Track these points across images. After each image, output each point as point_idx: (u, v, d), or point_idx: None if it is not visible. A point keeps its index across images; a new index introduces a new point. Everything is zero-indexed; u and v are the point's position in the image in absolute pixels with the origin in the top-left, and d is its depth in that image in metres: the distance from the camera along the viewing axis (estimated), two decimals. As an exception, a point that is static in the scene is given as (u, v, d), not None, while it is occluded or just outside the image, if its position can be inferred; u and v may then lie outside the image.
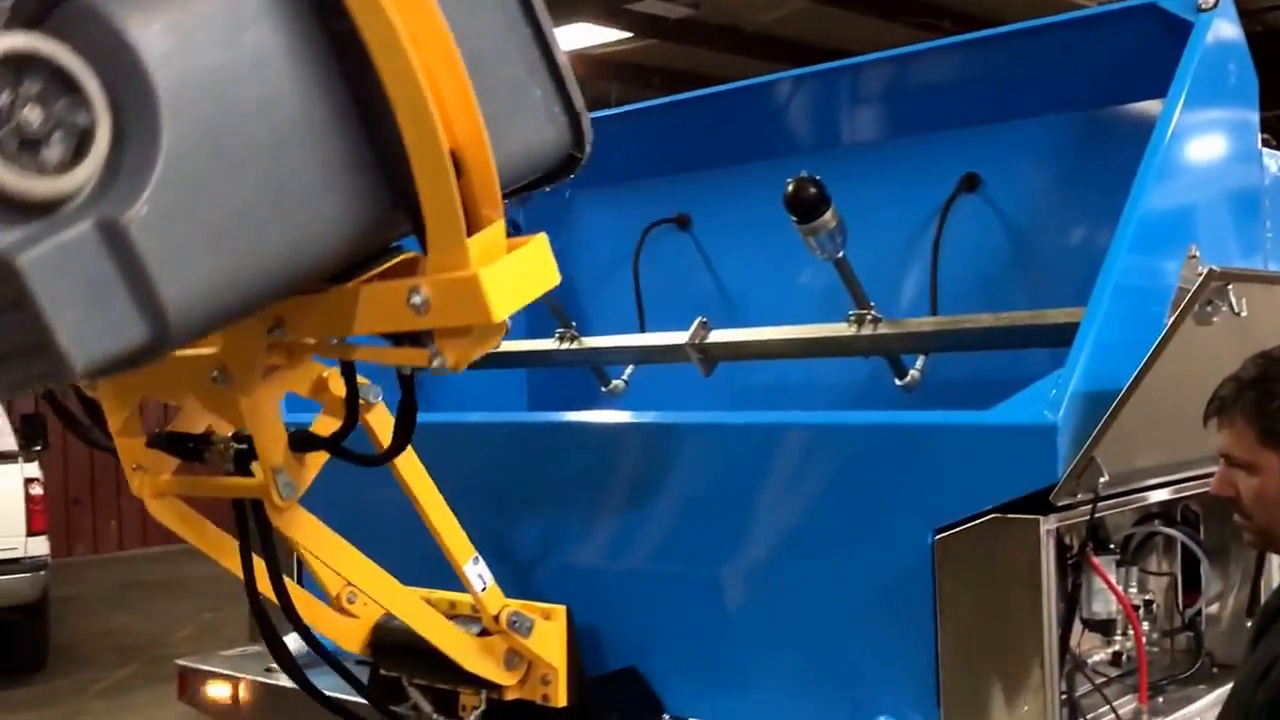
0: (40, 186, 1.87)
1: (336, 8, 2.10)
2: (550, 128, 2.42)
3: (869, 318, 3.88)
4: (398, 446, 2.77)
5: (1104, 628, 3.18)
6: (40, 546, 8.92)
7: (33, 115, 1.88)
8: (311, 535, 2.99)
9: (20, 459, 9.12)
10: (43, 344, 1.87)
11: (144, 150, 1.94)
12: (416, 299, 2.27)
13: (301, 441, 2.82)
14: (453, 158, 2.16)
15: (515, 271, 2.26)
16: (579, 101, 2.45)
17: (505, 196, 2.26)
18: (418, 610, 3.20)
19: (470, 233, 2.21)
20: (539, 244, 2.31)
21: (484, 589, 3.14)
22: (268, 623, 3.11)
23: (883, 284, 4.07)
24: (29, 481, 8.96)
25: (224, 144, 2.02)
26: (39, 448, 9.39)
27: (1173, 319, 2.79)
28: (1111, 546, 3.21)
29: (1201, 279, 2.76)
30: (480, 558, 3.15)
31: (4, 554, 8.73)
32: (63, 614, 9.87)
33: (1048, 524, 2.73)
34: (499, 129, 2.26)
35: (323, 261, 2.22)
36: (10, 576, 8.76)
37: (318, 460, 2.88)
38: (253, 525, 2.88)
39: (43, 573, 8.96)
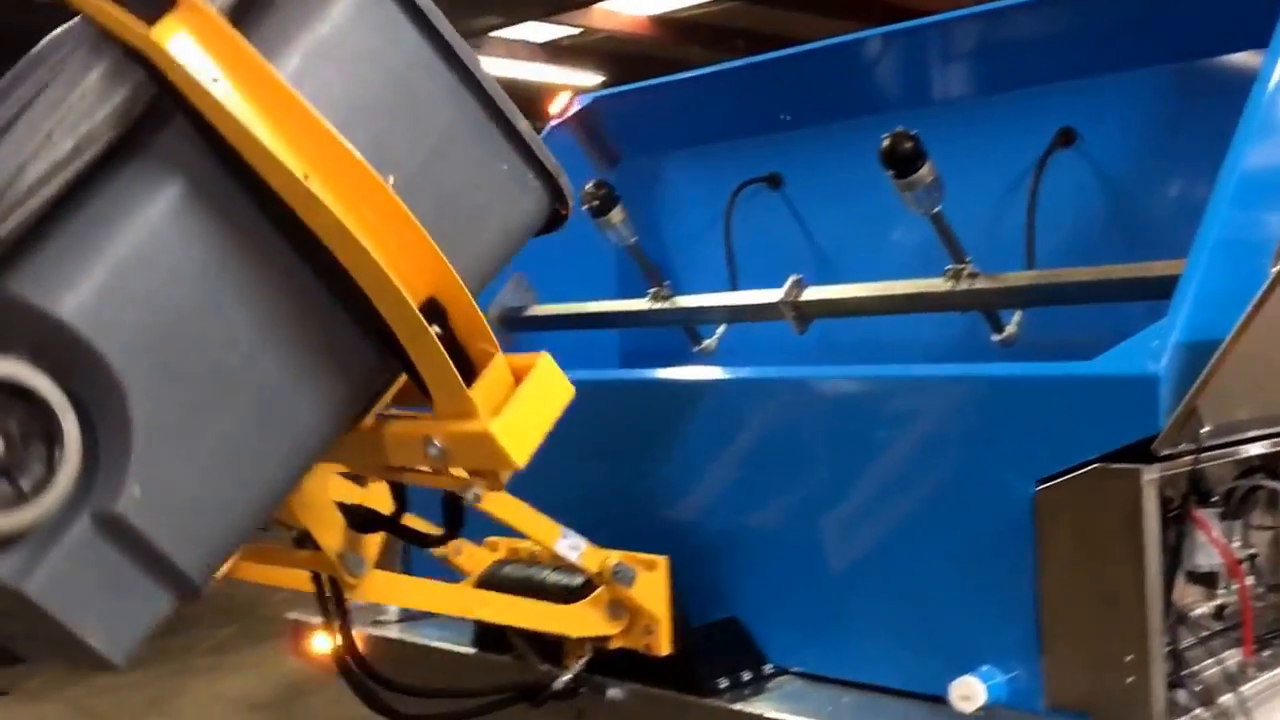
0: (25, 516, 1.79)
1: (267, 197, 2.03)
2: (527, 197, 2.41)
3: (966, 272, 3.89)
4: (450, 534, 2.98)
5: (1207, 581, 3.17)
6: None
7: None
8: (387, 591, 3.14)
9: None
10: (80, 644, 1.84)
11: (116, 430, 1.87)
12: (433, 450, 2.31)
13: (362, 523, 2.89)
14: (433, 304, 2.16)
15: (527, 413, 2.30)
16: (550, 161, 2.44)
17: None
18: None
19: (470, 371, 2.22)
20: (545, 368, 2.33)
21: (579, 555, 3.21)
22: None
23: (978, 240, 4.05)
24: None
25: (193, 387, 1.95)
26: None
27: (1276, 270, 2.78)
28: (1214, 499, 3.21)
29: (1306, 226, 2.75)
30: (568, 530, 3.24)
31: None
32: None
33: (1150, 474, 2.73)
34: (475, 221, 2.27)
35: (328, 438, 2.18)
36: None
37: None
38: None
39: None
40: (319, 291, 2.11)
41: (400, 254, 2.11)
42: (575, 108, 5.24)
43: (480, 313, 2.22)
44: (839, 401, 3.31)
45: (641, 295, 4.79)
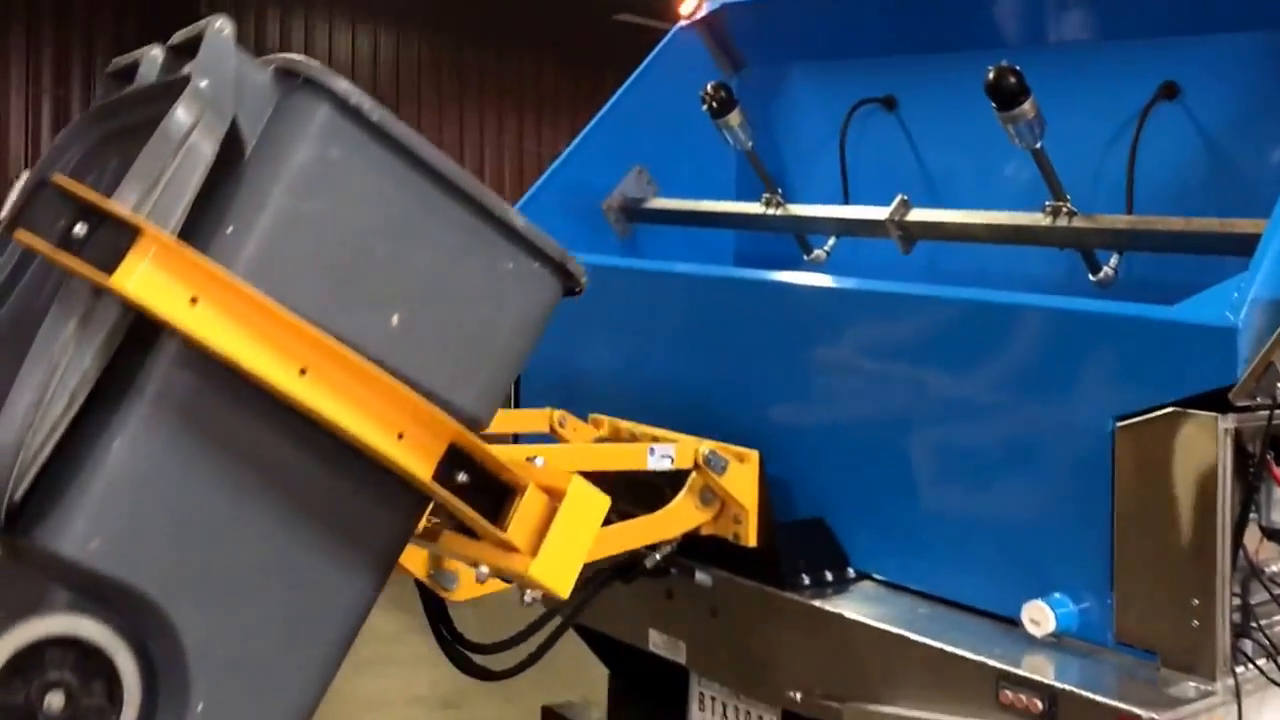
0: None
1: (266, 394, 2.03)
2: (538, 287, 2.44)
3: (1064, 210, 4.03)
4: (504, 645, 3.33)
5: (1281, 537, 3.33)
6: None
7: (55, 701, 1.86)
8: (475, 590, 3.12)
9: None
10: None
11: (171, 654, 1.94)
12: (481, 574, 2.41)
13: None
14: (455, 451, 2.18)
15: (566, 546, 2.31)
16: (553, 247, 2.46)
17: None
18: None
19: (505, 497, 2.27)
20: (578, 494, 2.34)
21: (672, 462, 3.42)
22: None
23: (1079, 182, 4.17)
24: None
25: (234, 593, 2.00)
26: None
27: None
28: (1292, 457, 3.35)
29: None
30: (654, 446, 3.42)
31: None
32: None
33: (1225, 423, 2.89)
34: (491, 326, 2.28)
35: (380, 585, 2.24)
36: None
37: None
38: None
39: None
40: (339, 466, 2.14)
41: (409, 422, 2.14)
42: (704, 10, 5.36)
43: (496, 458, 2.28)
44: (932, 320, 3.50)
45: (756, 201, 4.97)
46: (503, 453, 2.42)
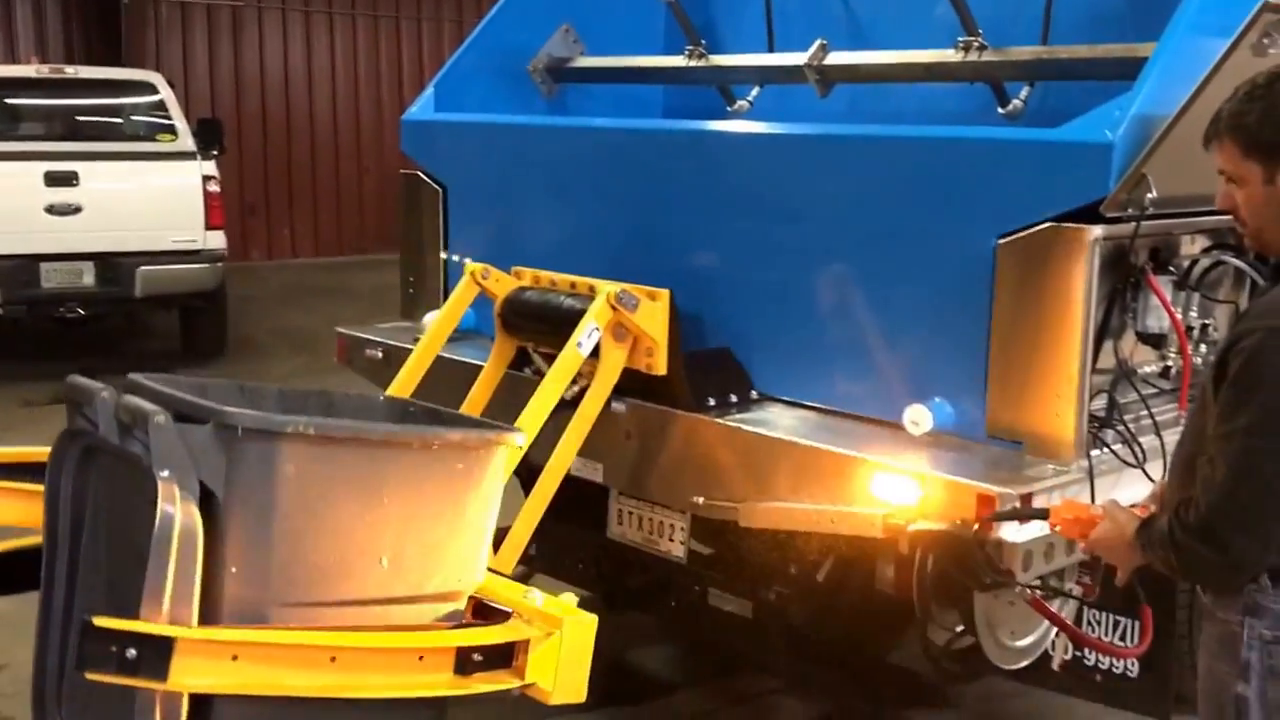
0: None
1: None
2: (488, 462, 2.66)
3: (976, 44, 4.10)
4: None
5: (1155, 342, 3.48)
6: (218, 240, 9.63)
7: None
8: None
9: (198, 158, 9.74)
10: None
11: None
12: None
13: None
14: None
15: (575, 672, 2.61)
16: (496, 426, 2.83)
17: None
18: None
19: (513, 654, 2.58)
20: (574, 625, 2.60)
21: (598, 333, 3.58)
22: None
23: (1000, 18, 4.24)
24: (207, 179, 9.59)
25: None
26: (215, 152, 9.93)
27: (1226, 47, 2.99)
28: (1171, 269, 3.49)
29: (1256, 11, 2.95)
30: (582, 340, 3.57)
31: (186, 245, 9.48)
32: (239, 310, 10.65)
33: (1094, 233, 3.03)
34: (461, 517, 2.59)
35: None
36: (192, 266, 9.54)
37: None
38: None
39: (220, 265, 9.70)
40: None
41: (425, 645, 2.52)
42: None
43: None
44: (829, 157, 3.60)
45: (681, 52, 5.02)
46: (499, 591, 2.74)
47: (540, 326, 3.83)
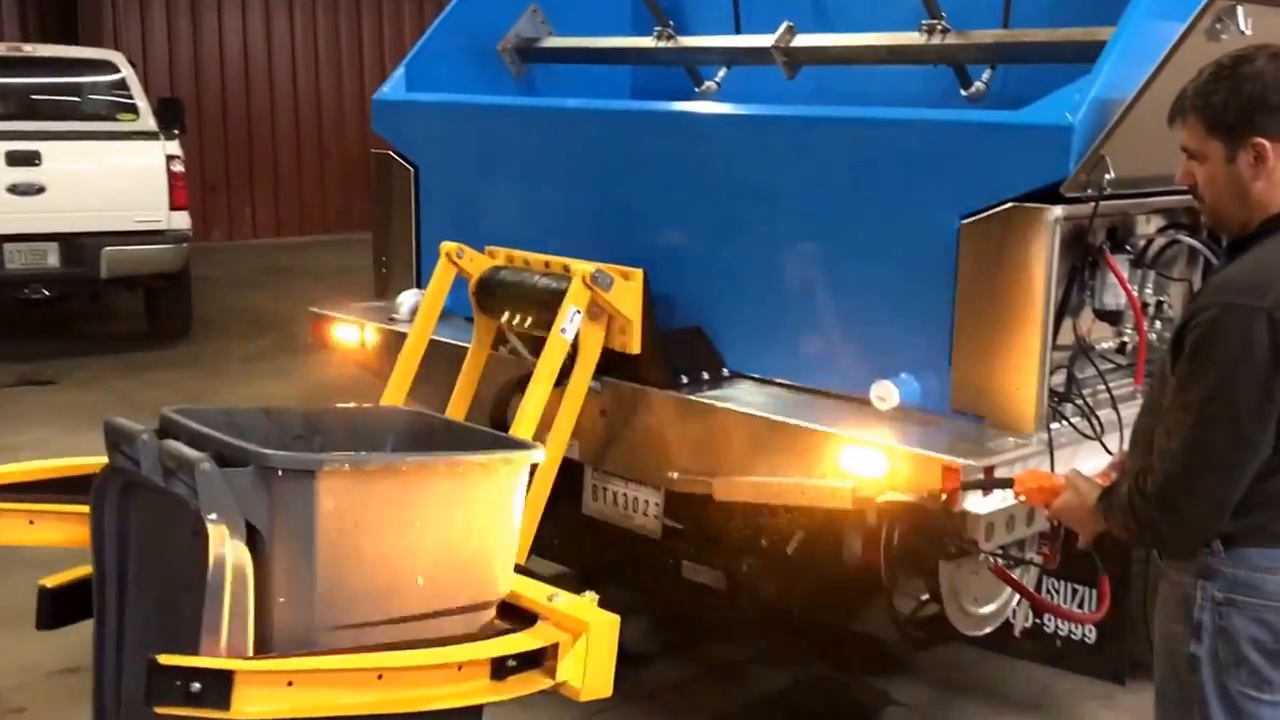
0: None
1: None
2: (510, 478, 2.77)
3: (939, 28, 4.20)
4: None
5: (1112, 319, 3.59)
6: (182, 221, 9.61)
7: None
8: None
9: (161, 137, 9.71)
10: None
11: None
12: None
13: None
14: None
15: (602, 671, 2.72)
16: (511, 443, 2.96)
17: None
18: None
19: (543, 657, 2.69)
20: (600, 625, 2.71)
21: (579, 316, 3.65)
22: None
23: (958, 1, 4.34)
24: (170, 159, 9.57)
25: None
26: (176, 131, 9.90)
27: (1181, 33, 3.10)
28: (1128, 248, 3.60)
29: (1209, -1, 3.06)
30: (565, 327, 3.65)
31: (150, 225, 9.46)
32: (202, 291, 10.65)
33: (1054, 213, 3.13)
34: (490, 530, 2.70)
35: None
36: (156, 246, 9.51)
37: None
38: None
39: (185, 245, 9.68)
40: None
41: (462, 657, 2.62)
42: None
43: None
44: (797, 138, 3.68)
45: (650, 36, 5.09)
46: (525, 593, 2.85)
47: (516, 305, 3.90)
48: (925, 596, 3.66)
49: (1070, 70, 3.99)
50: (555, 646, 2.72)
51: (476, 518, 2.73)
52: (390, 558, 2.61)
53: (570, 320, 3.65)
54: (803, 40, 4.52)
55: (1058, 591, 4.02)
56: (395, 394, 4.02)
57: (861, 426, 3.27)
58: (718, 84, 5.14)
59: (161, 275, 9.73)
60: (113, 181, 9.48)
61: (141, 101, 9.98)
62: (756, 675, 4.62)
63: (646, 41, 5.06)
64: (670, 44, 5.01)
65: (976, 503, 3.07)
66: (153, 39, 15.65)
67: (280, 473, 2.49)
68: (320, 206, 17.01)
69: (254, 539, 2.48)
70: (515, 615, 2.83)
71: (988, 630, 3.75)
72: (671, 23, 5.07)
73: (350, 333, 4.65)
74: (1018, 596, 3.72)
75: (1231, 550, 2.46)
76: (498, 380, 3.95)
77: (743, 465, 3.46)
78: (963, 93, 4.37)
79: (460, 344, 4.11)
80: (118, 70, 10.16)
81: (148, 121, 9.82)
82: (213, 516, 2.43)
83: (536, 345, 3.93)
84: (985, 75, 4.37)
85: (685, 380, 3.73)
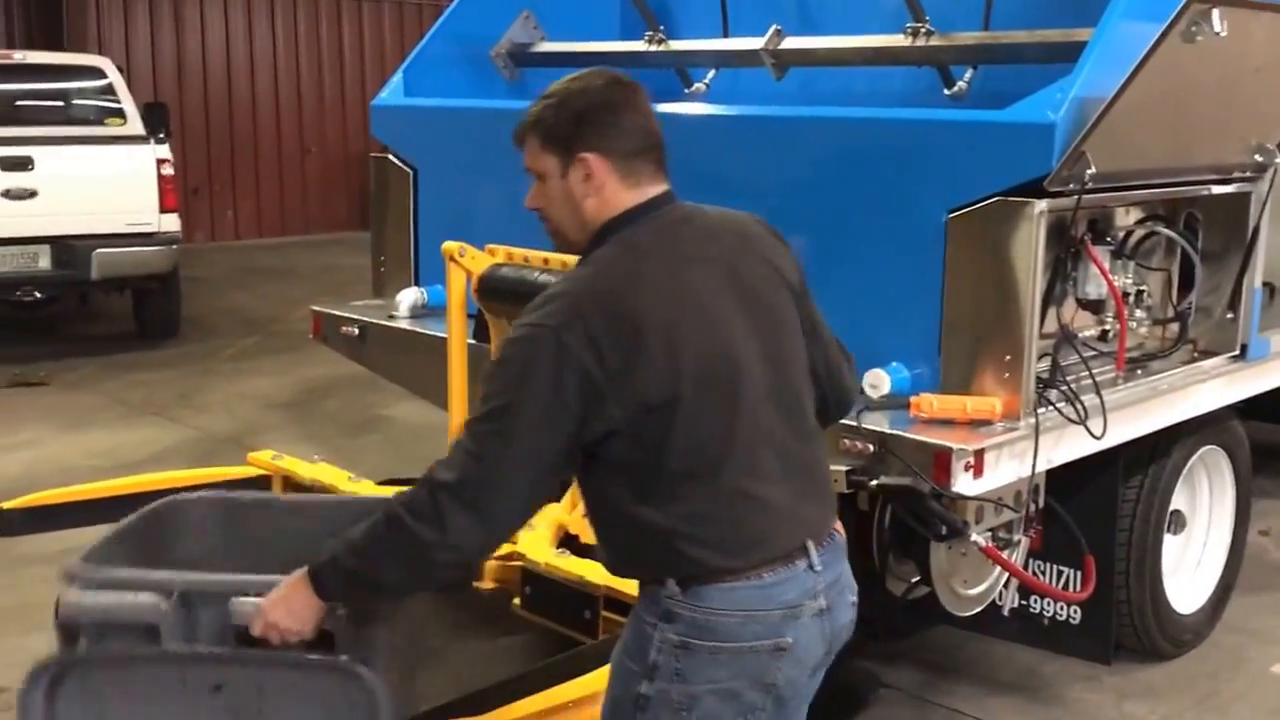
0: None
1: None
2: None
3: (923, 30, 4.33)
4: None
5: (1094, 308, 3.75)
6: (172, 223, 9.68)
7: None
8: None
9: (151, 141, 9.80)
10: None
11: None
12: None
13: None
14: None
15: None
16: None
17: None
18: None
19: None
20: None
21: None
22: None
23: (945, 5, 4.47)
24: (160, 162, 9.65)
25: None
26: (161, 136, 9.94)
27: (1158, 35, 3.23)
28: (1109, 240, 3.75)
29: (1184, 1, 3.19)
30: None
31: (141, 228, 9.53)
32: (188, 291, 10.70)
33: (1039, 206, 3.27)
34: None
35: None
36: (146, 249, 9.58)
37: None
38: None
39: (174, 247, 9.76)
40: None
41: None
42: None
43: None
44: (790, 137, 3.81)
45: (639, 38, 5.20)
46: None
47: (518, 301, 3.98)
48: (916, 579, 3.80)
49: (1048, 70, 4.16)
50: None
51: None
52: None
53: None
54: (791, 43, 4.65)
55: (1043, 574, 4.16)
56: (457, 410, 4.12)
57: (855, 413, 3.37)
58: (706, 85, 5.26)
59: (151, 277, 9.81)
60: (104, 185, 9.54)
61: (129, 106, 10.06)
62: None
63: (638, 45, 5.17)
64: (661, 48, 5.13)
65: (968, 485, 3.20)
66: (136, 43, 15.69)
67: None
68: (301, 207, 17.11)
69: None
70: (624, 610, 2.89)
71: (976, 610, 3.88)
72: (662, 26, 5.18)
73: (351, 329, 4.76)
74: (1005, 577, 3.86)
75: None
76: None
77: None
78: (945, 92, 4.50)
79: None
80: (105, 75, 10.23)
81: (135, 126, 9.91)
82: None
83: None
84: (967, 75, 4.50)
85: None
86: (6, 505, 3.96)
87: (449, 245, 4.14)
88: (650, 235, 2.30)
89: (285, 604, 2.33)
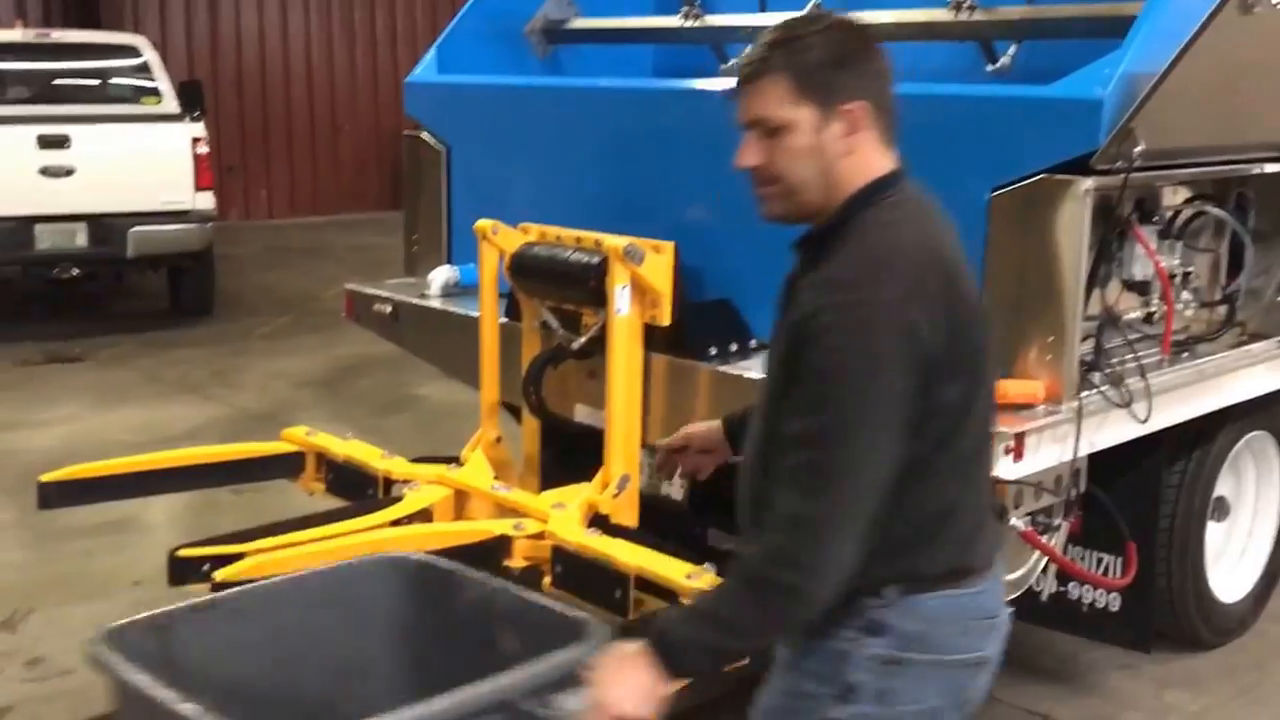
0: None
1: None
2: None
3: (967, 4, 4.24)
4: None
5: (1140, 289, 3.65)
6: (207, 201, 9.70)
7: None
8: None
9: (186, 120, 9.81)
10: None
11: None
12: None
13: None
14: None
15: None
16: None
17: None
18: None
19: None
20: None
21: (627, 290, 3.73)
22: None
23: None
24: (195, 141, 9.66)
25: None
26: (196, 114, 9.98)
27: (1213, 7, 3.14)
28: (1156, 219, 3.66)
29: (1239, -29, 3.10)
30: (620, 306, 3.73)
31: (176, 206, 9.55)
32: (222, 269, 10.73)
33: (1085, 185, 3.18)
34: None
35: None
36: (182, 226, 9.60)
37: None
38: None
39: (209, 225, 9.78)
40: None
41: None
42: None
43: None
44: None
45: (675, 12, 5.13)
46: (661, 571, 3.07)
47: (550, 280, 3.96)
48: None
49: (1089, 45, 4.07)
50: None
51: None
52: None
53: (621, 298, 3.71)
54: (831, 17, 4.55)
55: (1082, 560, 4.08)
56: (489, 392, 4.11)
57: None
58: (743, 61, 5.17)
59: (186, 254, 9.84)
60: (140, 163, 9.56)
61: (165, 85, 10.08)
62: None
63: (674, 20, 5.10)
64: (698, 23, 5.05)
65: (1008, 469, 3.13)
66: (171, 22, 15.71)
67: None
68: (334, 187, 17.10)
69: None
70: (655, 591, 2.95)
71: (1014, 596, 3.80)
72: (698, 1, 5.11)
73: (383, 307, 4.72)
74: (1044, 563, 3.78)
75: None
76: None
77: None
78: (988, 68, 4.41)
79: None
80: (140, 54, 10.27)
81: (171, 104, 9.92)
82: None
83: (567, 319, 4.01)
84: (1010, 50, 4.41)
85: (714, 351, 3.78)
86: (44, 478, 3.94)
87: (481, 223, 4.09)
88: (916, 207, 2.07)
89: (632, 691, 1.95)
